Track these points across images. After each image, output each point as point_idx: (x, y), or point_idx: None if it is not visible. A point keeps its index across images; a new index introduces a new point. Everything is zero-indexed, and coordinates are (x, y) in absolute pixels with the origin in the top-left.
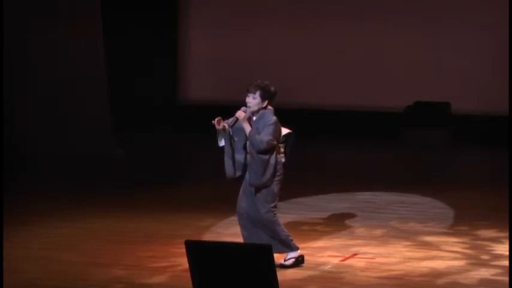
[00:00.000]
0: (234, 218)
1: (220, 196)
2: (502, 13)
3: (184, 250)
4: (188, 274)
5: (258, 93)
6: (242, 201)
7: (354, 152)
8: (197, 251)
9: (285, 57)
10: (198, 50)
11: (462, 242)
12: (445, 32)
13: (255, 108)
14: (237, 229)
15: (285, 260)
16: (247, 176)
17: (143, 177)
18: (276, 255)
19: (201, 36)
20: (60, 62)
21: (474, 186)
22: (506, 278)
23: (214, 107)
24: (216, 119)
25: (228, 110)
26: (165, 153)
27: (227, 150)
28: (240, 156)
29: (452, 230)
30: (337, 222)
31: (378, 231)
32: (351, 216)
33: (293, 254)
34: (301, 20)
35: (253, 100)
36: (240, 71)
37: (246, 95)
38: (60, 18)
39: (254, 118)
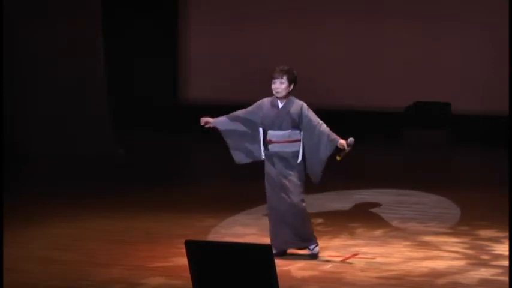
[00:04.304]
0: (235, 218)
1: (221, 196)
2: (502, 13)
3: (184, 250)
4: (188, 274)
5: (285, 78)
6: (274, 198)
7: (354, 152)
8: (197, 251)
9: (285, 58)
10: (199, 50)
11: (462, 242)
12: (445, 32)
13: (284, 92)
14: (238, 229)
15: (311, 250)
16: (271, 170)
17: (143, 177)
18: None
19: (202, 36)
20: (60, 62)
21: (474, 186)
22: (506, 278)
23: (214, 107)
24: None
25: (228, 110)
26: (165, 153)
27: (229, 142)
28: (250, 146)
29: (452, 230)
30: (337, 222)
31: (378, 231)
32: (351, 216)
33: (314, 244)
34: (302, 19)
35: (281, 85)
36: (241, 71)
37: (271, 82)
38: (60, 18)
39: (280, 105)
